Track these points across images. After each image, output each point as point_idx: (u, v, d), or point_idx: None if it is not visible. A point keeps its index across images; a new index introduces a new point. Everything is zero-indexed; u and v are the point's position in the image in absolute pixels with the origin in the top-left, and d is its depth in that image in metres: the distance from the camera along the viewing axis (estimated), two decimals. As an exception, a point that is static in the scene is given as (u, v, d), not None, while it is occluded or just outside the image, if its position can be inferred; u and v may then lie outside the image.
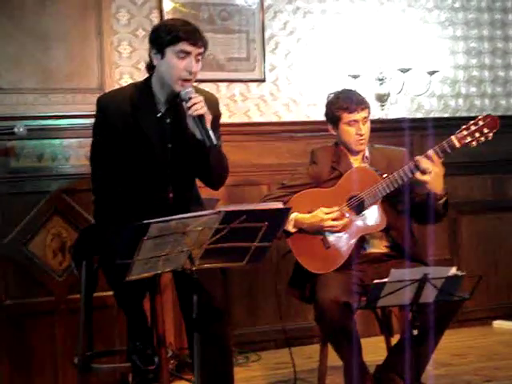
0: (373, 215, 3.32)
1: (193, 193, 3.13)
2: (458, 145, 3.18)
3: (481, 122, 3.19)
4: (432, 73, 4.65)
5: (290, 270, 3.50)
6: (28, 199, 3.79)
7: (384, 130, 4.35)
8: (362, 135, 3.37)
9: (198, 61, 2.91)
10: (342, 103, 3.38)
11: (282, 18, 4.62)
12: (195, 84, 2.99)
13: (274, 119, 4.61)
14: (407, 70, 4.57)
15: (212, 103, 3.02)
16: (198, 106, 2.84)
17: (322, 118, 4.56)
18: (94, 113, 2.99)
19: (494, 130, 3.19)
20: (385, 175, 3.30)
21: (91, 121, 3.06)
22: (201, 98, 2.87)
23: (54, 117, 3.77)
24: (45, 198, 3.80)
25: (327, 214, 3.32)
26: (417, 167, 3.19)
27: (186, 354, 3.77)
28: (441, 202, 3.23)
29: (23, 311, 3.76)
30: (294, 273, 3.44)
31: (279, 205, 2.73)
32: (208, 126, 2.85)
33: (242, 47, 4.51)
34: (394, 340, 3.39)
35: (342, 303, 3.07)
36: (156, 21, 4.31)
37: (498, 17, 5.09)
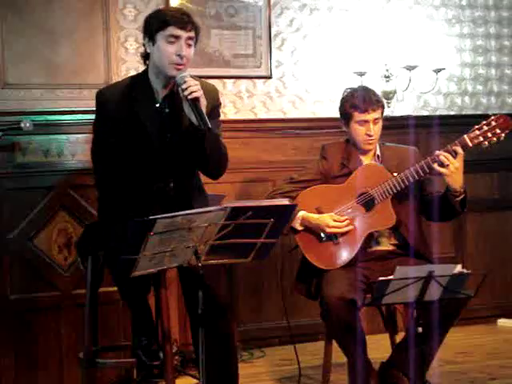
0: (382, 212, 3.31)
1: (194, 182, 3.11)
2: (470, 144, 3.18)
3: (493, 123, 3.19)
4: (438, 70, 4.64)
5: (295, 267, 3.51)
6: (34, 194, 3.80)
7: (390, 127, 4.32)
8: (371, 136, 3.37)
9: (189, 45, 2.91)
10: (355, 101, 3.37)
11: (288, 15, 4.62)
12: (203, 79, 2.99)
13: (280, 116, 4.60)
14: (413, 68, 4.56)
15: (211, 92, 3.03)
16: (193, 89, 2.84)
17: (328, 115, 4.60)
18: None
19: (507, 131, 3.19)
20: (395, 174, 3.30)
21: (97, 116, 3.06)
22: (196, 82, 2.87)
23: (61, 112, 3.78)
24: (51, 194, 3.81)
25: (335, 221, 3.31)
26: (435, 161, 3.18)
27: (190, 350, 3.77)
28: (458, 198, 3.23)
29: (29, 306, 3.77)
30: (301, 268, 3.44)
31: (285, 201, 2.73)
32: (203, 110, 2.85)
33: (249, 44, 4.51)
34: (399, 337, 3.39)
35: (348, 300, 3.07)
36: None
37: (505, 14, 5.08)
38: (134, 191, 2.98)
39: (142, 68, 3.09)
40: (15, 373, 3.74)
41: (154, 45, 2.92)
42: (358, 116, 3.37)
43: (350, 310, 3.09)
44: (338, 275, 3.22)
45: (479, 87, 5.04)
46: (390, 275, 2.80)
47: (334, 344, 3.37)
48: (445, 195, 3.26)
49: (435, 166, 3.18)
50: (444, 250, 4.61)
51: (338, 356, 3.40)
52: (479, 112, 4.99)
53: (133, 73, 4.11)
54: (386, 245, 3.40)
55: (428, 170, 3.23)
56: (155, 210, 2.87)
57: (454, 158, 3.17)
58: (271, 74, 4.57)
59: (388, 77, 4.63)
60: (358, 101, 3.37)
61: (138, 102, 2.97)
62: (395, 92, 4.67)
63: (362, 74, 4.54)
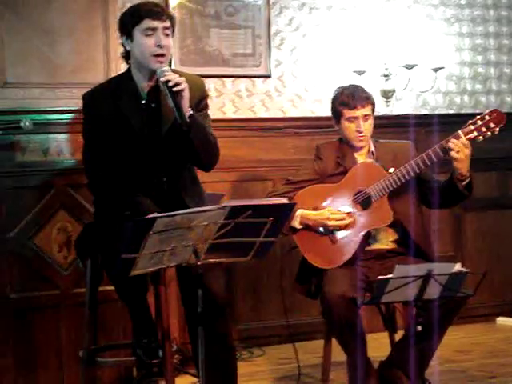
0: (379, 210, 3.32)
1: (187, 175, 3.11)
2: (465, 139, 3.20)
3: (487, 117, 3.21)
4: (437, 69, 4.65)
5: (295, 266, 3.51)
6: (33, 193, 3.79)
7: (389, 126, 4.36)
8: (361, 132, 3.38)
9: (167, 35, 2.93)
10: (344, 99, 3.40)
11: (287, 14, 4.62)
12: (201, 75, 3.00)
13: (280, 115, 4.61)
14: (413, 67, 4.56)
15: (197, 85, 3.04)
16: (177, 81, 2.84)
17: (327, 113, 4.58)
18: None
19: (501, 125, 3.21)
20: (391, 169, 3.31)
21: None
22: (175, 75, 2.88)
23: (60, 111, 3.78)
24: (50, 193, 3.81)
25: (334, 213, 3.32)
26: (444, 149, 3.20)
27: (190, 349, 3.78)
28: (464, 182, 3.25)
29: (28, 305, 3.76)
30: (301, 269, 3.44)
31: (284, 200, 2.73)
32: (186, 103, 2.86)
33: (248, 43, 4.52)
34: (398, 336, 3.40)
35: (350, 298, 3.08)
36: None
37: (504, 13, 5.08)
38: (127, 188, 2.98)
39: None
40: (15, 372, 3.73)
41: (132, 41, 2.94)
42: (347, 113, 3.39)
43: (351, 309, 3.10)
44: (339, 274, 3.23)
45: (478, 86, 5.04)
46: (390, 274, 2.80)
47: (334, 342, 3.37)
48: (450, 181, 3.28)
49: (452, 153, 3.19)
50: (443, 249, 4.62)
51: (338, 355, 3.40)
52: (478, 111, 4.96)
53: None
54: (385, 242, 3.41)
55: (430, 163, 3.24)
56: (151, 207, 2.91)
57: (444, 155, 3.19)
58: (270, 73, 4.58)
59: (387, 76, 4.63)
60: (346, 98, 3.39)
61: (122, 99, 2.99)
62: (394, 91, 4.68)
63: (361, 73, 4.55)
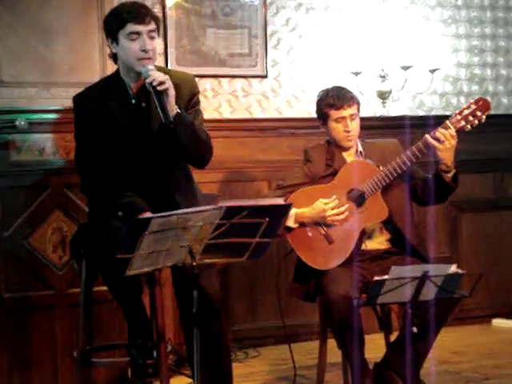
0: (374, 206, 3.32)
1: (180, 174, 3.10)
2: (452, 129, 3.21)
3: (473, 106, 3.25)
4: (434, 70, 4.65)
5: (291, 267, 3.50)
6: (29, 193, 3.79)
7: (385, 127, 4.36)
8: (349, 132, 3.39)
9: (151, 38, 2.91)
10: (330, 100, 3.41)
11: (284, 14, 4.62)
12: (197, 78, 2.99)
13: (276, 115, 4.61)
14: (409, 68, 4.57)
15: (188, 81, 3.04)
16: (161, 79, 2.83)
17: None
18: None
19: (487, 112, 3.24)
20: (380, 168, 3.32)
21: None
22: (160, 74, 2.86)
23: (56, 111, 3.77)
24: (46, 192, 3.80)
25: (326, 203, 3.32)
26: (428, 139, 3.21)
27: (185, 349, 3.77)
28: (450, 174, 3.26)
29: (23, 305, 3.76)
30: (297, 270, 3.43)
31: (280, 200, 2.73)
32: (171, 102, 2.85)
33: (244, 43, 4.51)
34: (394, 337, 3.39)
35: (351, 299, 3.07)
36: (159, 15, 4.29)
37: (501, 15, 5.09)
38: (119, 189, 2.98)
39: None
40: (9, 372, 3.73)
41: (117, 45, 2.93)
42: (334, 114, 3.39)
43: (353, 309, 3.09)
44: (340, 273, 3.21)
45: (475, 87, 5.05)
46: (386, 275, 2.80)
47: (329, 344, 3.37)
48: (436, 175, 3.29)
49: (430, 140, 3.20)
50: (439, 250, 4.62)
51: (333, 356, 3.40)
52: (475, 112, 4.99)
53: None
54: (380, 241, 3.40)
55: (420, 155, 3.25)
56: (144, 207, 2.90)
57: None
58: (267, 74, 4.57)
59: (384, 77, 4.63)
60: (332, 99, 3.40)
61: (112, 101, 2.98)
62: (391, 92, 4.68)
63: (357, 74, 4.55)
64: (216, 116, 4.46)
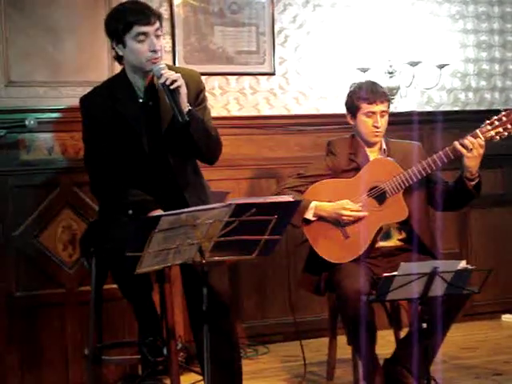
0: (394, 206, 3.32)
1: (190, 171, 3.11)
2: (482, 138, 3.22)
3: (504, 118, 3.26)
4: (442, 66, 4.64)
5: (300, 263, 3.51)
6: (38, 192, 3.80)
7: (394, 123, 4.31)
8: (378, 128, 3.39)
9: (158, 36, 2.92)
10: (363, 94, 3.41)
11: (291, 11, 4.61)
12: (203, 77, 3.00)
13: (284, 112, 4.61)
14: (417, 64, 4.55)
15: (194, 78, 3.04)
16: (173, 78, 2.84)
17: (332, 111, 4.60)
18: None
19: None
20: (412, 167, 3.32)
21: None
22: (172, 73, 2.87)
23: (65, 110, 3.78)
24: (55, 191, 3.82)
25: (349, 204, 3.32)
26: (462, 145, 3.21)
27: (195, 346, 3.78)
28: (473, 182, 3.26)
29: (34, 303, 3.77)
30: (308, 261, 3.43)
31: (289, 197, 2.73)
32: (184, 100, 2.87)
33: (252, 40, 4.51)
34: (403, 333, 3.39)
35: (366, 294, 3.07)
36: (166, 14, 4.31)
37: (509, 10, 5.07)
38: (129, 188, 2.99)
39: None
40: (21, 369, 3.75)
41: (124, 47, 2.92)
42: (365, 107, 3.39)
43: (368, 304, 3.10)
44: (354, 269, 3.21)
45: (483, 83, 5.03)
46: (396, 271, 2.80)
47: (339, 340, 3.37)
48: (459, 181, 3.29)
49: (459, 147, 3.20)
50: (448, 246, 4.61)
51: (343, 352, 3.40)
52: (483, 108, 4.99)
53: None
54: (394, 240, 3.41)
55: (446, 160, 3.24)
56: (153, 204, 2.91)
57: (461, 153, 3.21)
58: (275, 71, 4.57)
59: (391, 73, 4.62)
60: (365, 93, 3.40)
61: (119, 100, 2.99)
62: (399, 88, 4.67)
63: (365, 70, 4.54)
64: (224, 113, 4.46)
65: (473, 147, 3.20)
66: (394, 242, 3.41)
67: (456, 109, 4.96)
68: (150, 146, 2.99)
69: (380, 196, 3.34)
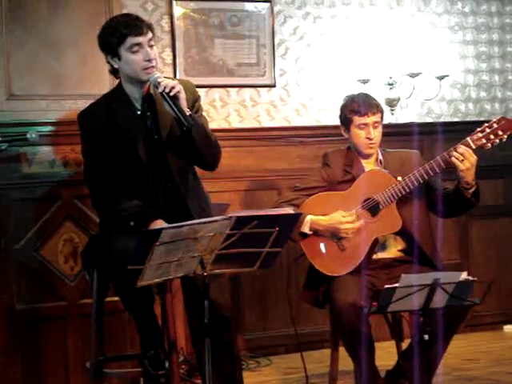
0: (388, 217, 3.32)
1: (191, 179, 3.13)
2: (473, 146, 3.22)
3: (495, 125, 3.24)
4: (442, 77, 4.65)
5: (302, 275, 3.51)
6: (40, 205, 3.81)
7: (394, 134, 4.35)
8: (371, 139, 3.39)
9: (151, 46, 2.95)
10: (355, 106, 3.41)
11: (291, 24, 4.63)
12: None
13: (284, 124, 4.62)
14: (417, 75, 4.57)
15: (188, 87, 3.05)
16: (171, 85, 2.87)
17: (332, 122, 4.60)
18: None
19: (509, 132, 3.23)
20: (399, 178, 3.31)
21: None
22: (169, 80, 2.91)
23: (66, 123, 3.79)
24: (57, 204, 3.83)
25: (344, 216, 3.32)
26: (451, 156, 3.20)
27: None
28: (471, 190, 3.26)
29: (35, 316, 3.77)
30: (309, 277, 3.44)
31: (290, 210, 2.74)
32: (184, 104, 2.89)
33: (252, 52, 4.53)
34: (405, 345, 3.39)
35: (360, 306, 3.08)
36: (167, 27, 4.34)
37: (508, 21, 5.09)
38: (131, 199, 3.00)
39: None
40: (22, 382, 3.74)
41: (120, 60, 2.95)
42: (357, 120, 3.40)
43: (361, 316, 3.10)
44: (348, 281, 3.22)
45: (483, 93, 5.05)
46: (396, 283, 2.80)
47: (341, 351, 3.37)
48: (456, 190, 3.28)
49: (453, 159, 3.20)
50: (449, 257, 4.61)
51: (345, 364, 3.40)
52: (483, 118, 4.98)
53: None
54: (393, 250, 3.41)
55: (436, 171, 3.25)
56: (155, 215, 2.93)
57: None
58: (275, 83, 4.59)
59: (391, 84, 4.64)
60: (357, 105, 3.40)
61: (118, 113, 3.01)
62: (399, 99, 4.68)
63: (365, 82, 4.56)
64: (225, 126, 4.48)
65: (464, 157, 3.19)
66: (393, 253, 3.41)
67: (456, 120, 4.97)
68: (149, 155, 3.01)
69: (373, 208, 3.34)
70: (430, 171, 3.27)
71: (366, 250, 3.31)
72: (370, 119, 3.39)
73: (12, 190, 3.75)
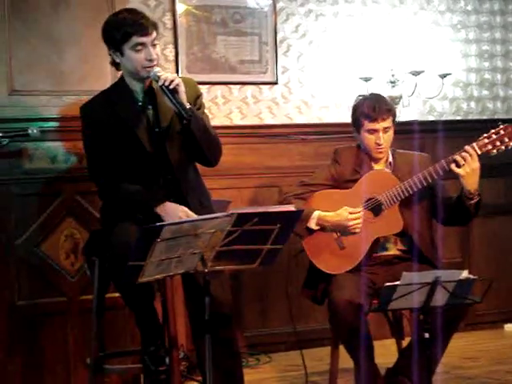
0: (390, 218, 3.32)
1: (192, 174, 3.15)
2: (478, 151, 3.20)
3: (502, 131, 3.24)
4: (444, 76, 4.65)
5: (302, 273, 3.51)
6: (41, 201, 3.81)
7: (396, 132, 4.32)
8: (380, 145, 3.36)
9: (154, 45, 2.99)
10: (365, 110, 3.36)
11: (294, 21, 4.63)
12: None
13: (286, 121, 4.61)
14: (419, 73, 4.56)
15: (190, 85, 3.09)
16: (171, 78, 2.92)
17: (334, 120, 4.61)
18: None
19: None
20: (408, 180, 3.30)
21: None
22: (168, 74, 2.96)
23: (68, 119, 3.79)
24: (58, 200, 3.82)
25: (351, 213, 3.31)
26: (451, 162, 3.19)
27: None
28: (473, 202, 3.24)
29: (36, 312, 3.77)
30: (309, 274, 3.44)
31: (291, 207, 2.74)
32: (184, 97, 2.94)
33: (255, 50, 4.52)
34: (406, 343, 3.39)
35: (357, 305, 3.08)
36: (169, 23, 4.34)
37: (511, 20, 5.08)
38: (135, 187, 3.01)
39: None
40: (22, 378, 3.74)
41: (122, 55, 2.99)
42: (368, 125, 3.36)
43: (359, 315, 3.10)
44: (346, 279, 3.22)
45: (485, 92, 5.04)
46: (395, 280, 2.80)
47: (341, 349, 3.37)
48: (459, 198, 3.27)
49: (452, 166, 3.19)
50: (450, 255, 4.62)
51: (345, 361, 3.40)
52: (485, 117, 4.99)
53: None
54: (393, 250, 3.41)
55: (440, 174, 3.24)
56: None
57: (458, 166, 3.19)
58: (277, 80, 4.58)
59: (394, 82, 4.63)
60: (367, 110, 3.35)
61: (119, 105, 3.05)
62: (401, 97, 4.68)
63: (367, 80, 4.55)
64: (227, 123, 4.47)
65: (465, 162, 3.17)
66: (393, 251, 3.41)
67: (458, 118, 4.97)
68: (151, 148, 3.02)
69: (376, 208, 3.34)
70: (434, 174, 3.25)
71: (366, 249, 3.32)
72: (380, 125, 3.35)
73: (13, 186, 3.75)
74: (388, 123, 3.37)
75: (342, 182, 3.44)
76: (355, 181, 3.40)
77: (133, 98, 3.06)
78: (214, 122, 4.35)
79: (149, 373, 3.09)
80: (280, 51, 4.58)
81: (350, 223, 3.30)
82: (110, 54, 3.05)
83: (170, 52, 4.36)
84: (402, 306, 2.94)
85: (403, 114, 4.76)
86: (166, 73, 2.97)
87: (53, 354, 3.79)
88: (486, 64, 5.03)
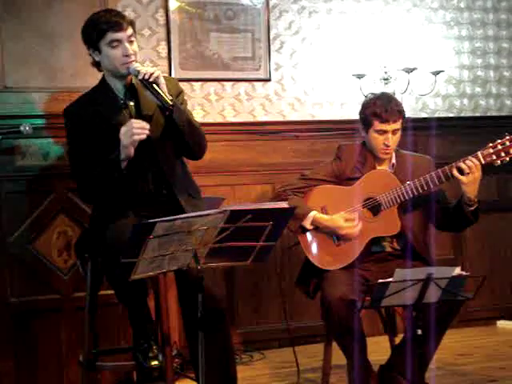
0: (387, 219, 3.31)
1: (178, 168, 3.15)
2: (483, 161, 3.19)
3: (508, 143, 3.21)
4: (437, 73, 4.65)
5: (295, 270, 3.51)
6: (33, 198, 3.80)
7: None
8: (388, 146, 3.34)
9: (131, 42, 3.03)
10: (377, 110, 3.32)
11: (287, 18, 4.63)
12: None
13: (279, 118, 4.61)
14: (412, 70, 4.57)
15: (171, 82, 3.14)
16: (150, 71, 2.95)
17: (327, 117, 4.61)
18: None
19: None
20: (408, 182, 3.29)
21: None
22: (146, 68, 2.99)
23: (60, 115, 3.77)
24: (50, 197, 3.82)
25: (346, 220, 3.31)
26: (455, 168, 3.19)
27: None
28: (472, 208, 3.24)
29: (28, 309, 3.77)
30: (303, 269, 3.44)
31: (284, 204, 2.74)
32: (164, 89, 2.97)
33: (248, 46, 4.52)
34: (398, 339, 3.40)
35: (349, 301, 3.08)
36: (162, 20, 4.33)
37: (504, 17, 5.09)
38: (119, 191, 3.00)
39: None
40: (15, 376, 3.74)
41: (100, 53, 3.04)
42: (378, 125, 3.32)
43: (351, 311, 3.10)
44: (338, 276, 3.22)
45: (478, 89, 5.05)
46: (388, 277, 2.80)
47: (334, 346, 3.37)
48: (458, 205, 3.27)
49: (455, 172, 3.19)
50: (443, 252, 4.62)
51: (338, 358, 3.40)
52: (478, 114, 5.00)
53: (132, 76, 4.13)
54: (387, 249, 3.41)
55: (443, 180, 3.22)
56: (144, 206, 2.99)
57: (461, 174, 3.18)
58: (270, 77, 4.58)
59: (387, 79, 4.64)
60: (379, 110, 3.31)
61: (102, 104, 3.07)
62: (394, 94, 4.67)
63: (360, 77, 4.55)
64: (220, 120, 4.47)
65: (470, 171, 3.16)
66: (387, 249, 3.40)
67: (451, 115, 4.97)
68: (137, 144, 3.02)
69: (375, 207, 3.33)
70: (437, 179, 3.23)
71: (361, 248, 3.31)
72: (391, 127, 3.32)
73: (5, 183, 3.75)
74: (398, 125, 3.34)
75: (343, 179, 3.42)
76: (356, 179, 3.38)
77: (115, 96, 3.09)
78: (206, 119, 4.38)
79: (142, 370, 3.08)
80: (273, 48, 4.58)
81: (344, 232, 3.30)
82: (90, 54, 3.09)
83: (162, 49, 4.35)
84: (395, 303, 2.94)
85: (396, 111, 4.75)
86: (144, 67, 3.00)
87: (45, 351, 3.78)
88: (479, 61, 5.04)
